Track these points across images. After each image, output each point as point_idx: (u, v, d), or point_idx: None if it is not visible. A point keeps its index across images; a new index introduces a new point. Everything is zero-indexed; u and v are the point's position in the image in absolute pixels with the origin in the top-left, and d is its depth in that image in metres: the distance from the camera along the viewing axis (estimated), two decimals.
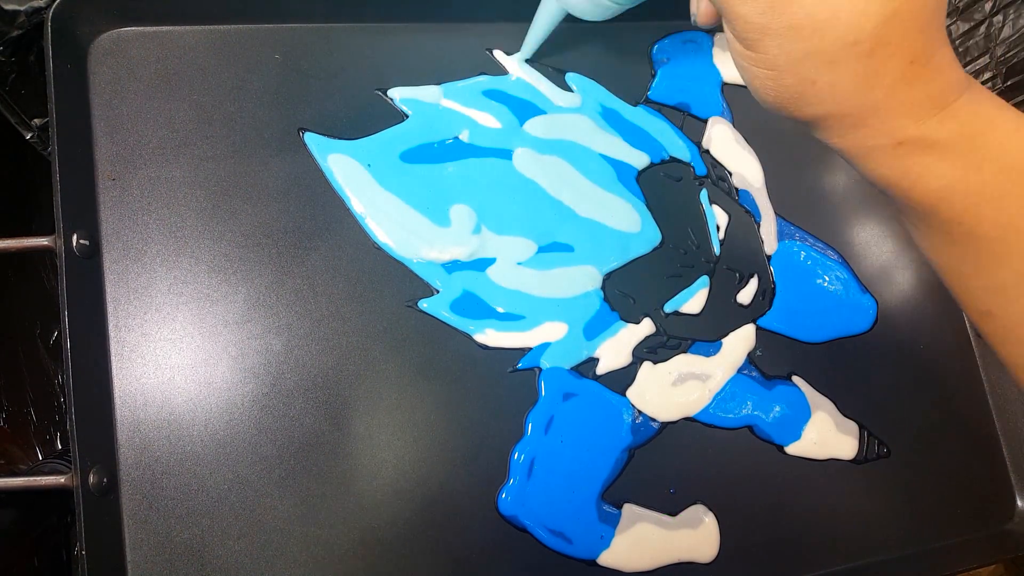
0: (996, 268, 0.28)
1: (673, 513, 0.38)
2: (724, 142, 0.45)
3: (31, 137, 0.42)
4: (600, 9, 0.36)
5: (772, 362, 0.42)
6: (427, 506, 0.35)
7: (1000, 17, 0.53)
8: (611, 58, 0.45)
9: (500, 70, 0.42)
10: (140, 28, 0.38)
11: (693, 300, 0.41)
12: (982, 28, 0.54)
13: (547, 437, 0.37)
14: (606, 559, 0.36)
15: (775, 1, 0.25)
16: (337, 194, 0.38)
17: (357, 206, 0.38)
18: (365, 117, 0.40)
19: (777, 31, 0.26)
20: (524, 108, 0.42)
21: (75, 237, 0.33)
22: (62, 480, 0.31)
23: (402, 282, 0.38)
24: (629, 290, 0.40)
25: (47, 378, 0.48)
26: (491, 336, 0.38)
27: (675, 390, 0.40)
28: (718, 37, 0.47)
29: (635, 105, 0.44)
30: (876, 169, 0.28)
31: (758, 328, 0.42)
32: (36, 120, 0.42)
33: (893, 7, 0.24)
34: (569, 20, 0.45)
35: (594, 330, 0.39)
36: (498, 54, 0.43)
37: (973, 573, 0.45)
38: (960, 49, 0.55)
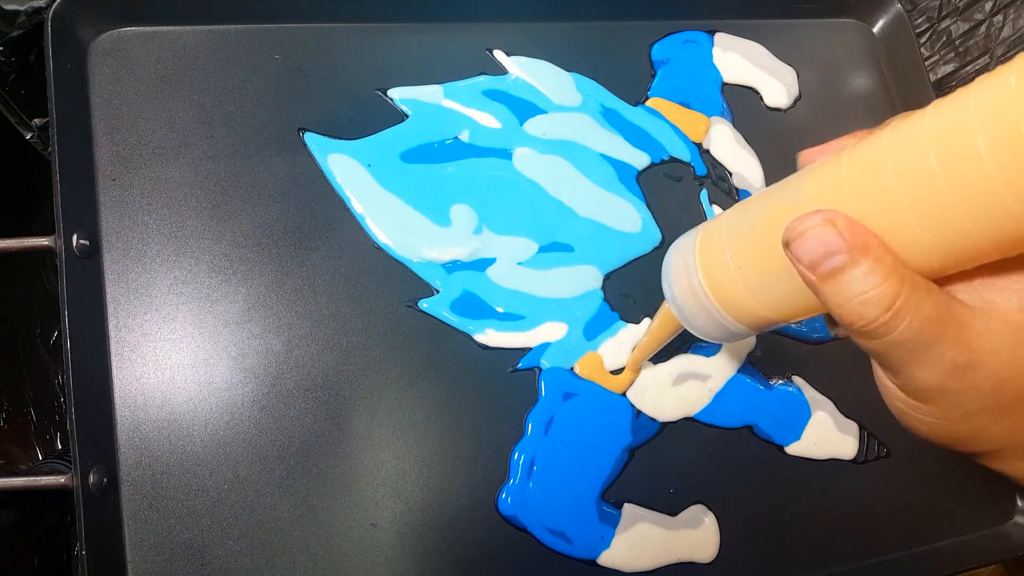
0: None
1: (673, 513, 0.38)
2: (724, 142, 0.45)
3: (31, 137, 0.42)
4: (729, 336, 0.30)
5: (772, 362, 0.42)
6: (427, 506, 0.35)
7: (1000, 17, 0.53)
8: (611, 58, 0.45)
9: (500, 70, 0.42)
10: (140, 28, 0.38)
11: None
12: (982, 28, 0.54)
13: (547, 437, 0.37)
14: (606, 559, 0.36)
15: (959, 367, 0.24)
16: (337, 194, 0.38)
17: (357, 206, 0.38)
18: (365, 117, 0.40)
19: (956, 391, 0.25)
20: (524, 108, 0.42)
21: (75, 237, 0.33)
22: (62, 480, 0.31)
23: (402, 282, 0.38)
24: (629, 290, 0.40)
25: (47, 378, 0.48)
26: (491, 336, 0.38)
27: (675, 390, 0.40)
28: (718, 37, 0.47)
29: (635, 105, 0.44)
30: None
31: None
32: (36, 120, 0.42)
33: None
34: (570, 19, 0.45)
35: (594, 330, 0.39)
36: (498, 54, 0.43)
37: (973, 573, 0.45)
38: (960, 49, 0.55)
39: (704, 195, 0.43)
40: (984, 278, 0.24)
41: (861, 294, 0.23)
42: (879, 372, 0.27)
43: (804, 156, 0.29)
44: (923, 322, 0.23)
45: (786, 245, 0.24)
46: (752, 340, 0.42)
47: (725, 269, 0.27)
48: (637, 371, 0.39)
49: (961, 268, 0.23)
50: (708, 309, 0.29)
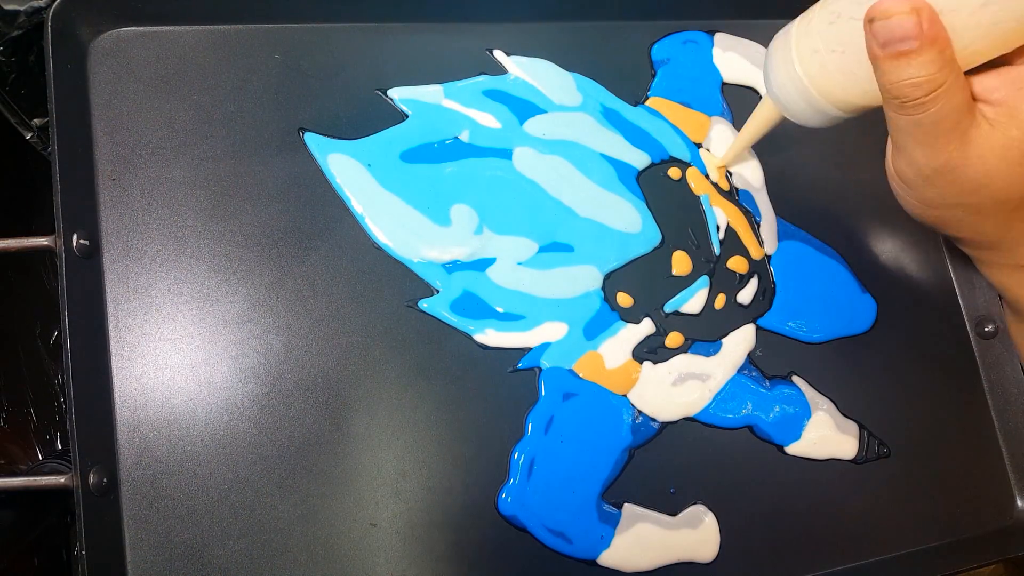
0: None
1: (673, 513, 0.38)
2: (724, 142, 0.45)
3: (31, 137, 0.42)
4: (823, 118, 0.34)
5: (772, 362, 0.42)
6: (427, 506, 0.35)
7: None
8: (611, 58, 0.45)
9: (500, 70, 0.42)
10: (140, 28, 0.38)
11: (693, 300, 0.41)
12: None
13: (547, 437, 0.37)
14: (606, 559, 0.36)
15: (947, 163, 0.28)
16: (337, 194, 0.38)
17: (357, 206, 0.38)
18: (365, 117, 0.40)
19: (939, 184, 0.29)
20: (524, 108, 0.42)
21: (75, 237, 0.33)
22: (62, 480, 0.31)
23: (402, 282, 0.38)
24: (629, 290, 0.40)
25: (47, 378, 0.48)
26: (491, 336, 0.38)
27: (675, 390, 0.40)
28: (718, 37, 0.47)
29: (635, 105, 0.44)
30: (996, 278, 0.35)
31: (758, 328, 0.42)
32: (36, 120, 0.42)
33: None
34: (570, 19, 0.45)
35: (594, 330, 0.39)
36: (498, 54, 0.43)
37: (973, 573, 0.45)
38: None
39: (705, 196, 0.43)
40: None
41: (914, 77, 0.27)
42: (889, 156, 0.32)
43: None
44: (949, 111, 0.27)
45: (869, 21, 0.27)
46: (752, 340, 0.42)
47: (817, 53, 0.31)
48: (731, 163, 0.43)
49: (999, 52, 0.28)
50: (804, 92, 0.33)
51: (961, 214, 0.31)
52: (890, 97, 0.28)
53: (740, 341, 0.41)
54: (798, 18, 0.33)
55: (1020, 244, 0.32)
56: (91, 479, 0.31)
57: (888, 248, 0.46)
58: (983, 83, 0.28)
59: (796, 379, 0.42)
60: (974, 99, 0.28)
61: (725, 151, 0.43)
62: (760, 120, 0.39)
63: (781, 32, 0.34)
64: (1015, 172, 0.28)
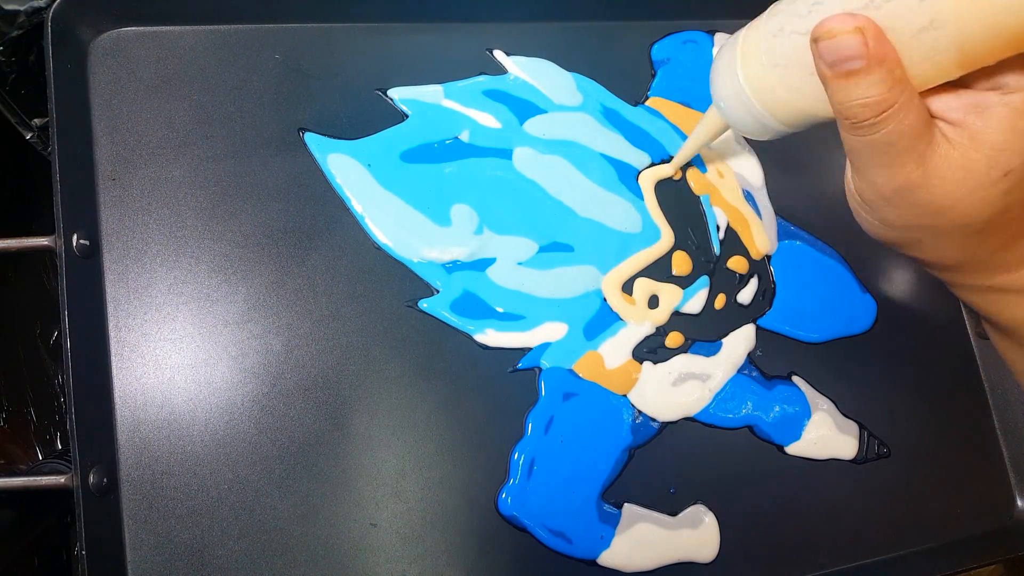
0: None
1: (673, 513, 0.38)
2: (724, 142, 0.45)
3: (31, 137, 0.42)
4: (768, 132, 0.33)
5: (772, 362, 0.42)
6: (427, 506, 0.35)
7: None
8: (611, 58, 0.45)
9: (500, 70, 0.42)
10: (140, 28, 0.38)
11: (693, 300, 0.41)
12: None
13: (547, 437, 0.37)
14: (606, 559, 0.36)
15: (906, 183, 0.27)
16: (337, 194, 0.38)
17: (357, 206, 0.38)
18: (365, 117, 0.40)
19: (899, 204, 0.28)
20: (524, 108, 0.42)
21: (75, 237, 0.33)
22: (62, 480, 0.31)
23: (402, 282, 0.38)
24: (629, 290, 0.40)
25: (47, 378, 0.48)
26: (491, 336, 0.38)
27: (675, 390, 0.40)
28: (718, 37, 0.47)
29: (635, 105, 0.44)
30: (967, 298, 0.33)
31: (758, 328, 0.42)
32: (36, 120, 0.42)
33: (1006, 202, 0.27)
34: (570, 19, 0.45)
35: (594, 330, 0.39)
36: (498, 54, 0.43)
37: (973, 573, 0.45)
38: None
39: (705, 196, 0.43)
40: (971, 100, 0.27)
41: (864, 98, 0.26)
42: (848, 174, 0.31)
43: None
44: (904, 131, 0.26)
45: (814, 40, 0.27)
46: (752, 340, 0.42)
47: (761, 66, 0.31)
48: (677, 170, 0.42)
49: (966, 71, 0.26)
50: (747, 105, 0.32)
51: (921, 236, 0.29)
52: (842, 118, 0.27)
53: (740, 341, 0.41)
54: (745, 27, 0.32)
55: (986, 266, 0.30)
56: (91, 479, 0.31)
57: (888, 248, 0.46)
58: (942, 102, 0.27)
59: (796, 379, 0.42)
60: (932, 117, 0.27)
61: (673, 157, 0.42)
62: (705, 129, 0.38)
63: (728, 40, 0.33)
64: (976, 196, 0.27)
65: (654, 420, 0.39)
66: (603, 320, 0.40)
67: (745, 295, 0.42)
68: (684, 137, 0.44)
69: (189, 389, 0.34)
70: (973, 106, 0.26)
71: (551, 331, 0.39)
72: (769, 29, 0.30)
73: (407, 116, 0.40)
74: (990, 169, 0.26)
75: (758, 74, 0.31)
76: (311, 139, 0.38)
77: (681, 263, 0.41)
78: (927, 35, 0.25)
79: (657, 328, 0.40)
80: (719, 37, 0.47)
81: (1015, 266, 0.30)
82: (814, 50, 0.27)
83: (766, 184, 0.45)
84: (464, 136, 0.41)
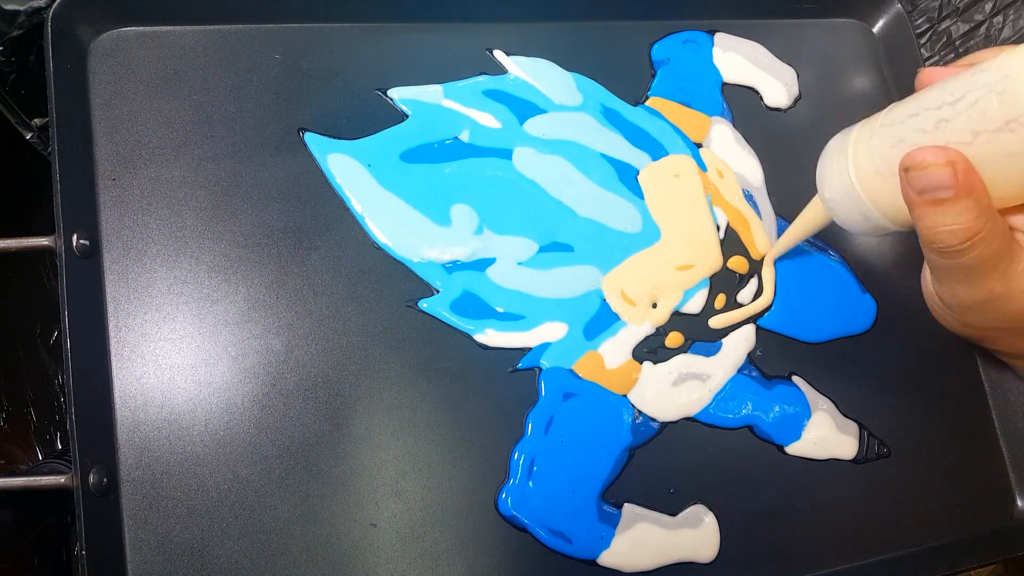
0: None
1: (673, 513, 0.38)
2: (724, 142, 0.45)
3: (31, 137, 0.42)
4: (875, 229, 0.33)
5: (772, 362, 0.42)
6: (427, 506, 0.35)
7: (1000, 18, 0.53)
8: (611, 58, 0.45)
9: (500, 70, 0.42)
10: (140, 28, 0.38)
11: (693, 300, 0.41)
12: (982, 29, 0.54)
13: (547, 437, 0.37)
14: (606, 559, 0.36)
15: (994, 296, 0.29)
16: (337, 194, 0.38)
17: (357, 206, 0.38)
18: (365, 117, 0.40)
19: (981, 312, 0.30)
20: (524, 108, 0.42)
21: (75, 237, 0.33)
22: (62, 480, 0.31)
23: (402, 282, 0.38)
24: (629, 291, 0.40)
25: (47, 378, 0.48)
26: (491, 336, 0.38)
27: (675, 390, 0.40)
28: (718, 37, 0.47)
29: (635, 105, 0.44)
30: None
31: (758, 328, 0.42)
32: (36, 120, 0.42)
33: None
34: (570, 19, 0.45)
35: (594, 330, 0.39)
36: (498, 54, 0.43)
37: (973, 573, 0.45)
38: (960, 50, 0.55)
39: (706, 196, 0.43)
40: None
41: (950, 225, 0.27)
42: (926, 276, 0.32)
43: (925, 75, 0.32)
44: (988, 256, 0.27)
45: (904, 169, 0.28)
46: (752, 340, 0.42)
47: (877, 175, 0.31)
48: (772, 261, 0.43)
49: None
50: (859, 203, 0.32)
51: (1001, 335, 0.32)
52: (927, 242, 0.28)
53: (740, 341, 0.41)
54: (857, 126, 0.32)
55: None
56: (91, 479, 0.31)
57: (888, 248, 0.46)
58: (1021, 218, 0.29)
59: (796, 379, 0.42)
60: (1012, 229, 0.28)
61: (773, 246, 0.42)
62: (808, 222, 0.38)
63: (838, 137, 0.34)
64: None
65: (654, 420, 0.39)
66: (603, 320, 0.40)
67: (745, 295, 0.42)
68: (684, 137, 0.44)
69: (189, 389, 0.34)
70: None
71: (551, 331, 0.39)
72: (888, 139, 0.30)
73: (407, 116, 0.40)
74: None
75: (873, 177, 0.31)
76: (311, 139, 0.38)
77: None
78: (1015, 160, 0.26)
79: (657, 328, 0.40)
80: (719, 37, 0.47)
81: None
82: (902, 177, 0.28)
83: (766, 184, 0.45)
84: (464, 136, 0.41)
